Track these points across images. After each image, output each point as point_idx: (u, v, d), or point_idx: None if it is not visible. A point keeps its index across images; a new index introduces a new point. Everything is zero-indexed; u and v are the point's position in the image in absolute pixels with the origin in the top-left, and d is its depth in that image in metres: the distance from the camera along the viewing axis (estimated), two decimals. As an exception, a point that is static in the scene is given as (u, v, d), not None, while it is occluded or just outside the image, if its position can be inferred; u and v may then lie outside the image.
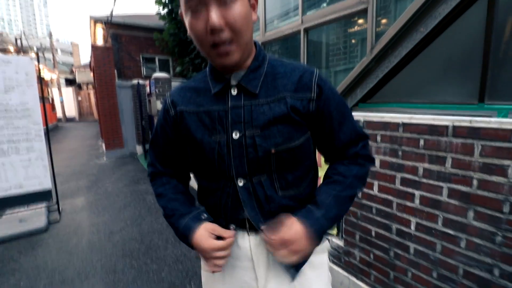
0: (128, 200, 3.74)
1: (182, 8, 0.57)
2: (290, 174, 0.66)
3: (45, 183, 3.05)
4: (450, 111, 1.45)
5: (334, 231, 1.81)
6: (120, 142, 6.73)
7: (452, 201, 1.18)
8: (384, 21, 1.91)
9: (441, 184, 1.21)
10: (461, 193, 1.15)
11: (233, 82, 0.64)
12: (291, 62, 0.68)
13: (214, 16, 0.53)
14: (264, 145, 0.62)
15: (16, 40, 15.00)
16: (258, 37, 2.98)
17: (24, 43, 16.29)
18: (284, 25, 2.68)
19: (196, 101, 0.68)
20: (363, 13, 1.94)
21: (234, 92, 0.64)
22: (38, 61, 3.39)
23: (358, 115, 1.56)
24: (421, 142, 1.26)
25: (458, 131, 1.13)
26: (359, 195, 1.58)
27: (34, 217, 3.02)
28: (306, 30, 2.44)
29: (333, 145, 0.68)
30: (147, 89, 5.76)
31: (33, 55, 3.17)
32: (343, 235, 1.73)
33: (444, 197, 1.21)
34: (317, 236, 0.61)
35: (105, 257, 2.37)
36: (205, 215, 0.70)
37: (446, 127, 1.17)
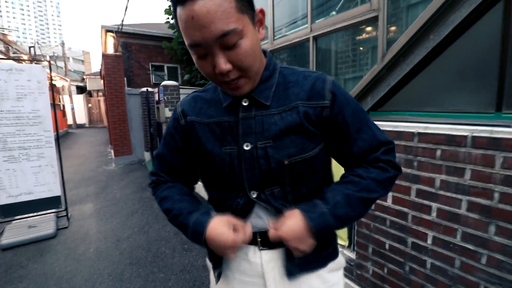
0: (135, 207, 3.74)
1: (188, 47, 0.56)
2: (304, 186, 0.64)
3: (55, 190, 3.08)
4: (465, 120, 1.40)
5: (346, 243, 1.76)
6: (129, 149, 6.80)
7: (472, 215, 1.13)
8: (395, 28, 1.89)
9: (459, 196, 1.16)
10: (481, 207, 1.10)
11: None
12: (303, 70, 0.66)
13: (221, 62, 0.52)
14: (276, 156, 0.60)
15: (29, 49, 15.43)
16: (267, 45, 2.98)
17: (38, 51, 16.77)
18: (293, 33, 2.68)
19: (207, 112, 0.67)
20: (373, 20, 1.92)
21: (245, 103, 0.63)
22: (50, 69, 3.46)
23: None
24: (438, 153, 1.22)
25: (477, 141, 1.09)
26: (373, 206, 1.53)
27: (43, 223, 3.04)
28: (315, 38, 2.43)
29: (352, 153, 0.63)
30: (156, 96, 5.83)
31: (45, 63, 3.26)
32: (355, 247, 1.68)
33: (463, 211, 1.16)
34: (318, 231, 0.58)
35: (112, 265, 2.35)
36: (214, 212, 0.68)
37: (465, 137, 1.13)
